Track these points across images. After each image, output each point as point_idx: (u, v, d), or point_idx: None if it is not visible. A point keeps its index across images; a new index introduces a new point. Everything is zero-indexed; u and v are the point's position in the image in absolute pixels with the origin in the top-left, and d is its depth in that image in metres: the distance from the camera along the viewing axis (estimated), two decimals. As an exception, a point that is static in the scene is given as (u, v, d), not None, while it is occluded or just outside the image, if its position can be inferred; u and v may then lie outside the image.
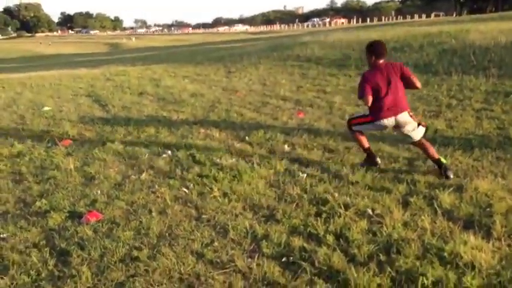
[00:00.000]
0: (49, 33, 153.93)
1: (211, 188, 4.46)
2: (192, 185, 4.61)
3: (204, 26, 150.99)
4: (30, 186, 4.92)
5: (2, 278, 3.14)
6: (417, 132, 4.63)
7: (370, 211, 3.77)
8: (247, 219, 3.76)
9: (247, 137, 6.29)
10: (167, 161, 5.46)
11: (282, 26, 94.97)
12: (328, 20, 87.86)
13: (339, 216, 3.68)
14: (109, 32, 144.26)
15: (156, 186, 4.63)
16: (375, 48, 4.72)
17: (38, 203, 4.35)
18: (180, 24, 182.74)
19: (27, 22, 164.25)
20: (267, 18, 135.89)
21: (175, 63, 18.45)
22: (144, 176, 4.98)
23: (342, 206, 3.83)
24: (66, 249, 3.46)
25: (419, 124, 4.67)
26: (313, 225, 3.55)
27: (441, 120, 6.56)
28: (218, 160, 5.30)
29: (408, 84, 4.67)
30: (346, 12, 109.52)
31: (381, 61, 4.65)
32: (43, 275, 3.16)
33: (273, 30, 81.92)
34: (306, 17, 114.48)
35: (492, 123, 6.29)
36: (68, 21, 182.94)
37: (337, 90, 9.50)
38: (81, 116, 8.49)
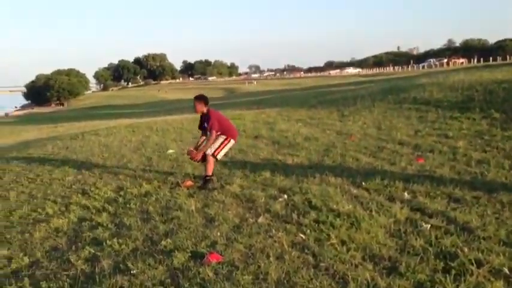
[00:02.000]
0: (172, 81, 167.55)
1: (328, 235, 4.38)
2: (308, 230, 4.57)
3: (316, 69, 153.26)
4: (157, 225, 5.25)
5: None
6: None
7: (506, 270, 3.41)
8: (368, 271, 3.61)
9: (363, 183, 6.13)
10: (283, 205, 5.50)
11: (396, 67, 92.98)
12: (445, 60, 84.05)
13: (471, 275, 3.38)
14: (226, 78, 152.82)
15: (273, 231, 4.66)
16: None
17: (163, 242, 4.61)
18: (292, 69, 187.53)
19: (153, 71, 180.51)
20: (379, 60, 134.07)
21: (288, 107, 18.87)
22: (261, 219, 5.06)
23: (474, 263, 3.51)
24: (190, 289, 3.59)
25: None
26: (442, 283, 3.29)
27: None
28: (335, 206, 5.21)
29: None
30: (465, 51, 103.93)
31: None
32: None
33: (386, 72, 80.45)
34: (421, 58, 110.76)
35: None
36: (189, 69, 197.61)
37: (461, 135, 8.95)
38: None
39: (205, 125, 6.98)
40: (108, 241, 4.83)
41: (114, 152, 10.89)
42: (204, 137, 7.19)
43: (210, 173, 6.89)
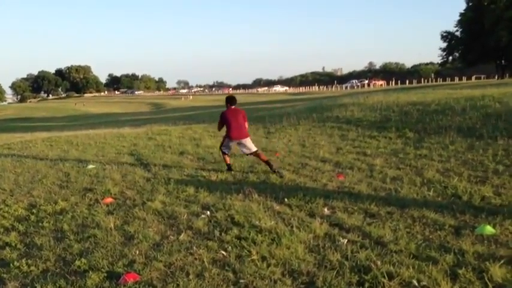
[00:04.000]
0: (96, 94, 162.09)
1: (249, 251, 4.38)
2: (230, 247, 4.55)
3: (244, 86, 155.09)
4: (71, 244, 4.98)
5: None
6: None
7: (415, 282, 3.59)
8: (286, 286, 3.65)
9: (286, 199, 6.23)
10: (206, 222, 5.45)
11: (321, 87, 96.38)
12: (366, 81, 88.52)
13: (383, 287, 3.52)
14: (156, 92, 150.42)
15: (195, 248, 4.59)
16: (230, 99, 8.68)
17: (77, 262, 4.38)
18: (220, 85, 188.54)
19: (76, 83, 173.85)
20: (305, 80, 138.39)
21: (215, 123, 18.85)
22: (182, 236, 4.97)
23: (386, 276, 3.67)
24: (103, 311, 3.42)
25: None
26: (356, 296, 3.39)
27: (488, 187, 6.30)
28: (257, 222, 5.24)
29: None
30: (384, 74, 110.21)
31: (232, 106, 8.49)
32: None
33: (312, 91, 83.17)
34: (344, 79, 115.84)
35: (543, 190, 6.00)
36: (115, 82, 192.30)
37: (378, 153, 9.40)
38: (123, 174, 8.70)
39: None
40: (15, 262, 4.52)
41: (28, 167, 10.26)
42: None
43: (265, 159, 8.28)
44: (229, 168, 8.58)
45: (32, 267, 4.37)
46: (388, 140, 10.72)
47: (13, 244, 5.12)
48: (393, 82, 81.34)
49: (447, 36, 63.93)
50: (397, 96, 19.28)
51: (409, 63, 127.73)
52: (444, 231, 4.75)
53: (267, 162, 8.13)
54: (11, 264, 4.49)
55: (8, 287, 3.96)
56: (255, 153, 8.36)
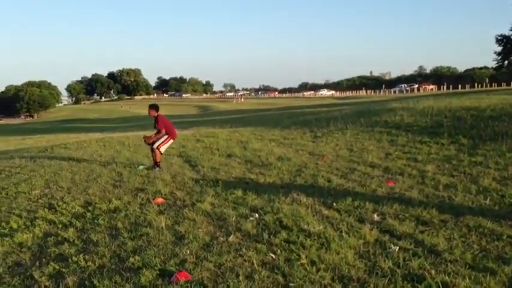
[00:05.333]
0: (146, 96, 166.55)
1: (298, 255, 4.38)
2: (279, 250, 4.56)
3: (290, 90, 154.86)
4: (125, 241, 5.14)
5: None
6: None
7: (471, 293, 3.47)
8: (337, 292, 3.62)
9: (334, 204, 6.18)
10: (254, 224, 5.48)
11: (368, 91, 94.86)
12: (416, 86, 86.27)
13: (437, 297, 3.42)
14: (204, 95, 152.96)
15: (244, 250, 4.63)
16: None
17: (131, 259, 4.52)
18: (266, 89, 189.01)
19: (127, 86, 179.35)
20: (352, 83, 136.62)
21: (262, 127, 18.97)
22: (231, 238, 5.02)
23: (441, 286, 3.57)
24: (156, 308, 3.51)
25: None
26: (409, 304, 3.32)
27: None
28: (305, 226, 5.22)
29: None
30: (435, 78, 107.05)
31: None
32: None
33: (359, 96, 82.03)
34: (392, 83, 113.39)
35: None
36: (163, 85, 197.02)
37: (429, 159, 9.15)
38: (173, 175, 8.89)
39: (156, 125, 9.98)
40: (74, 257, 4.71)
41: (84, 166, 10.68)
42: (155, 133, 10.00)
43: (158, 160, 9.80)
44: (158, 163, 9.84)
45: (89, 263, 4.55)
46: (441, 146, 10.41)
47: (71, 240, 5.34)
48: (444, 87, 78.82)
49: (502, 40, 61.31)
50: (449, 101, 18.72)
51: (461, 68, 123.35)
52: (502, 241, 4.56)
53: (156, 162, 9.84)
54: (70, 259, 4.68)
55: (68, 281, 4.13)
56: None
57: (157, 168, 9.60)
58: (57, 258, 4.82)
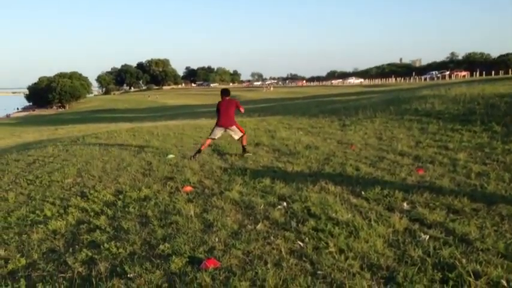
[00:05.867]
0: (174, 86, 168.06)
1: (326, 243, 4.37)
2: (307, 238, 4.56)
3: (318, 79, 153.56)
4: (155, 229, 5.23)
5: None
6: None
7: (504, 282, 3.40)
8: (366, 280, 3.60)
9: (363, 192, 6.12)
10: (282, 213, 5.49)
11: (398, 79, 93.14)
12: (448, 73, 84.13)
13: (469, 286, 3.36)
14: (231, 84, 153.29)
15: (272, 238, 4.65)
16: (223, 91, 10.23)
17: (161, 246, 4.60)
18: (294, 77, 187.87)
19: (156, 76, 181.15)
20: (381, 71, 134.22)
21: (289, 115, 18.91)
22: (259, 226, 5.05)
23: (472, 275, 3.50)
24: (186, 294, 3.57)
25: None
26: (439, 293, 3.28)
27: None
28: (334, 214, 5.20)
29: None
30: (468, 64, 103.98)
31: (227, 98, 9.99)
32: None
33: (388, 83, 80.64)
34: (423, 70, 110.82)
35: None
36: (191, 75, 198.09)
37: (461, 147, 8.95)
38: (201, 164, 8.97)
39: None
40: (105, 244, 4.82)
41: (114, 156, 10.89)
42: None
43: (244, 143, 10.02)
44: (198, 152, 9.70)
45: (120, 250, 4.66)
46: (473, 134, 10.16)
47: (103, 227, 5.48)
48: (477, 73, 76.56)
49: (540, 23, 59.05)
50: (482, 87, 18.21)
51: (495, 53, 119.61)
52: (536, 231, 4.44)
53: (244, 147, 9.93)
54: (102, 246, 4.80)
55: (100, 267, 4.24)
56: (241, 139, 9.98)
57: (194, 158, 9.54)
58: (89, 245, 4.95)
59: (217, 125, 9.96)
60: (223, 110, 9.91)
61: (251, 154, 9.67)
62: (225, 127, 9.93)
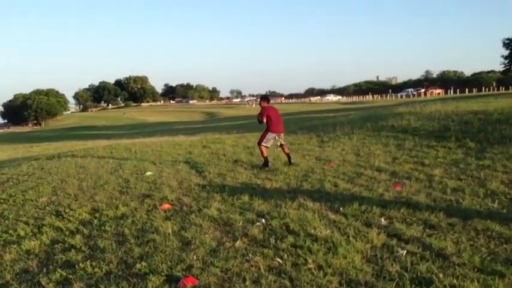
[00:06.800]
0: (153, 103, 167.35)
1: (305, 260, 4.36)
2: (286, 255, 4.55)
3: (297, 96, 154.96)
4: (132, 248, 5.14)
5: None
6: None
7: (481, 297, 3.44)
8: (344, 296, 3.59)
9: (341, 208, 6.14)
10: (261, 229, 5.46)
11: (375, 96, 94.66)
12: (423, 90, 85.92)
13: (446, 300, 3.39)
14: (209, 102, 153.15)
15: (250, 255, 4.62)
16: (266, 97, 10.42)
17: (138, 265, 4.52)
18: (273, 94, 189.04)
19: (134, 93, 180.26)
20: (359, 89, 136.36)
21: (268, 132, 18.91)
22: (238, 243, 5.01)
23: (449, 289, 3.53)
24: (163, 313, 3.50)
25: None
26: (417, 308, 3.29)
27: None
28: (312, 231, 5.20)
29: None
30: (442, 82, 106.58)
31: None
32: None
33: (366, 101, 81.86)
34: (399, 88, 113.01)
35: None
36: (170, 92, 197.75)
37: (437, 163, 9.10)
38: (179, 182, 8.90)
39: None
40: (81, 264, 4.71)
41: (91, 173, 10.73)
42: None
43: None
44: (267, 162, 9.66)
45: (96, 269, 4.55)
46: (448, 150, 10.36)
47: (78, 246, 5.36)
48: (451, 91, 78.52)
49: (509, 44, 61.22)
50: (456, 105, 18.62)
51: (468, 72, 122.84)
52: (510, 244, 4.52)
53: (288, 155, 10.02)
54: (77, 266, 4.69)
55: (75, 287, 4.14)
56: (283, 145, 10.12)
57: (266, 168, 9.57)
58: (64, 265, 4.83)
59: (271, 131, 9.96)
60: (275, 117, 10.04)
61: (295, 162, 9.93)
62: (278, 133, 10.07)
